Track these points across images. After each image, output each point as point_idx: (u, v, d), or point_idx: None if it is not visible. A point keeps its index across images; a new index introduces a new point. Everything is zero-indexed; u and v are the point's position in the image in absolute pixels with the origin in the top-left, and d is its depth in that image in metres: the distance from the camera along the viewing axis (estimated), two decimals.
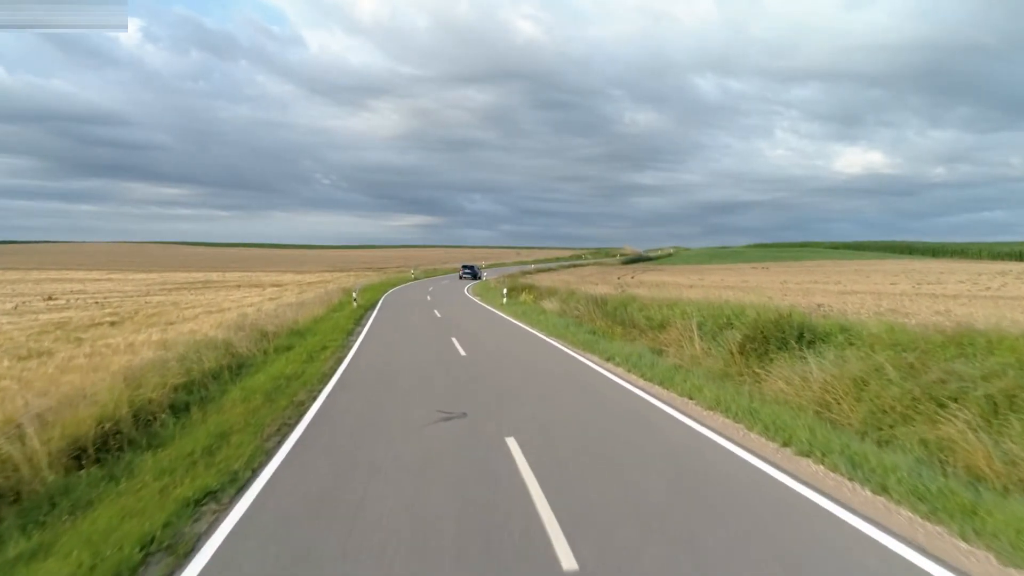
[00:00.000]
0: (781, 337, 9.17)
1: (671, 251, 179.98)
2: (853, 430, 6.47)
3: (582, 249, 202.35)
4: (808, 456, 5.64)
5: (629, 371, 10.22)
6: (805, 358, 8.38)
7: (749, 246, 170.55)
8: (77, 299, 36.66)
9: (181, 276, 68.10)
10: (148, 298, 36.56)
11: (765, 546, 3.91)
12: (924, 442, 5.77)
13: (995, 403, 5.62)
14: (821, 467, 5.39)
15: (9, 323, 19.94)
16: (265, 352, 12.76)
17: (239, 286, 49.44)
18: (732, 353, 9.66)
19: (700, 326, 11.47)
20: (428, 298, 32.03)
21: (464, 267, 57.72)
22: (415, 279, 57.29)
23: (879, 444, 6.05)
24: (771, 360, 8.97)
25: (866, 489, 4.83)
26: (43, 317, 24.90)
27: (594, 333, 14.74)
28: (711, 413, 7.38)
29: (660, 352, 11.61)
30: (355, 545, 4.00)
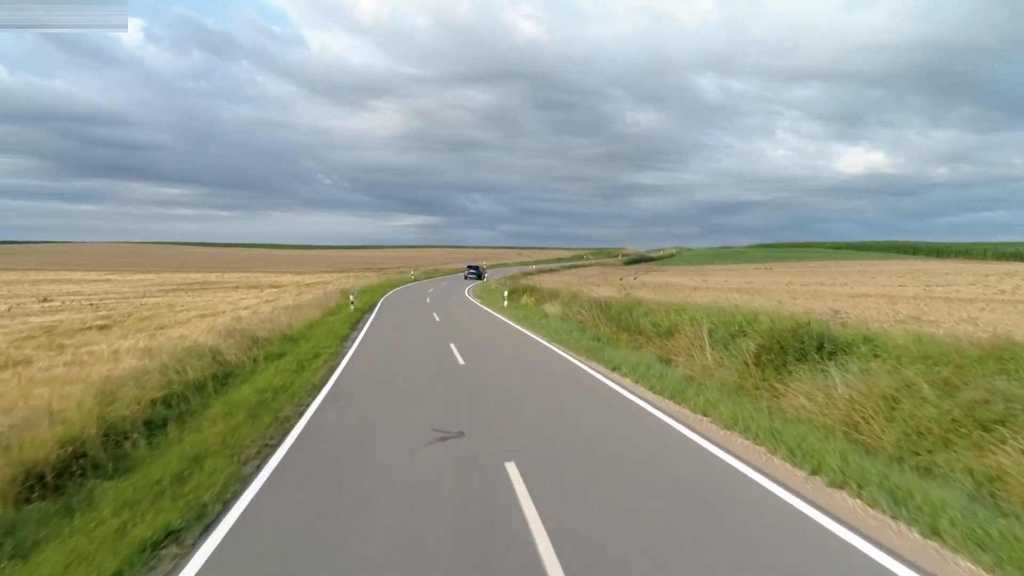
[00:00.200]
0: (800, 348, 8.60)
1: (673, 251, 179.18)
2: (887, 455, 5.90)
3: (583, 249, 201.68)
4: (842, 488, 5.07)
5: (637, 382, 9.64)
6: (827, 371, 7.82)
7: (751, 246, 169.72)
8: (72, 301, 36.20)
9: (179, 277, 67.67)
10: (144, 300, 36.09)
11: None
12: (970, 471, 5.21)
13: None
14: (858, 502, 4.81)
15: None
16: (255, 360, 12.20)
17: (237, 287, 48.97)
18: (747, 364, 9.08)
19: (711, 333, 10.90)
20: (428, 300, 31.46)
21: (469, 267, 61.66)
22: (415, 280, 56.73)
23: (918, 471, 5.49)
24: (789, 373, 8.40)
25: (914, 531, 4.25)
26: (34, 320, 24.40)
27: (598, 339, 14.16)
28: (728, 433, 6.80)
29: (669, 361, 11.04)
30: None
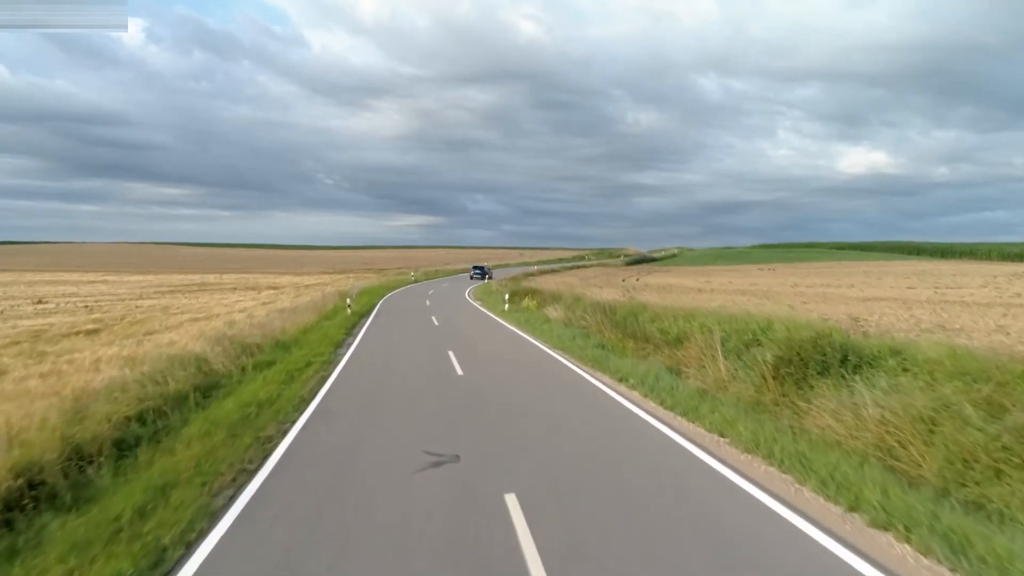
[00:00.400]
0: (823, 360, 8.00)
1: (675, 252, 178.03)
2: (930, 486, 5.30)
3: (584, 249, 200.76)
4: (887, 529, 4.47)
5: (646, 396, 9.04)
6: (853, 387, 7.23)
7: (754, 247, 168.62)
8: (67, 303, 35.72)
9: (178, 278, 67.20)
10: (140, 302, 35.59)
11: None
12: None
13: None
14: (908, 547, 4.21)
15: None
16: (243, 369, 11.64)
17: (235, 289, 48.47)
18: (764, 377, 8.48)
19: (723, 342, 10.30)
20: (427, 303, 30.85)
21: (475, 268, 62.85)
22: (415, 281, 56.15)
23: (967, 507, 4.90)
24: (811, 388, 7.79)
25: None
26: (24, 323, 23.89)
27: (603, 347, 13.56)
28: (750, 458, 6.21)
29: (679, 372, 10.44)
30: None
